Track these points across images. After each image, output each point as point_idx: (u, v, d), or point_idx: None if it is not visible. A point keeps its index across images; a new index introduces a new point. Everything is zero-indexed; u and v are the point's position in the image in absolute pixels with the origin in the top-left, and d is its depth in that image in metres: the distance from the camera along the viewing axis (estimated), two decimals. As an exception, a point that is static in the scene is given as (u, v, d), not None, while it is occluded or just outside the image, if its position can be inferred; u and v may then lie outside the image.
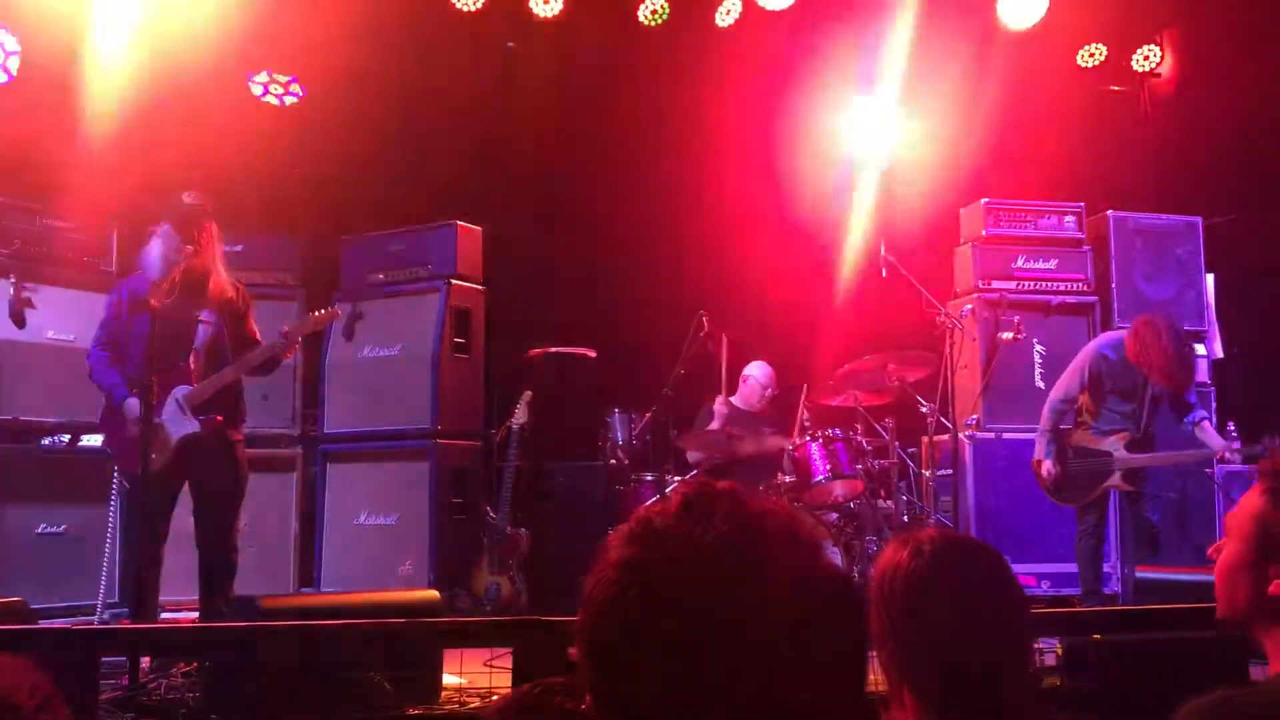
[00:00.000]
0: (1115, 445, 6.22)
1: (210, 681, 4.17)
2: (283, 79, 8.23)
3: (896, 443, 6.95)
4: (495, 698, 4.32)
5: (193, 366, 5.35)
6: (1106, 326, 7.43)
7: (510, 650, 4.31)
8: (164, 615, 5.70)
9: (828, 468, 6.89)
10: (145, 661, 4.46)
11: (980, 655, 1.71)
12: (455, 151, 8.40)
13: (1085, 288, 7.72)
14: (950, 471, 7.04)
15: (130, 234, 6.92)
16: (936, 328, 6.92)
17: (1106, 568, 6.73)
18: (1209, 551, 2.00)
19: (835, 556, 6.16)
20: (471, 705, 4.35)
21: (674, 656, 1.02)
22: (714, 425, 7.24)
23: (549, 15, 8.02)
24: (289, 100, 8.26)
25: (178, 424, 5.27)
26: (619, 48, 8.37)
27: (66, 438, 6.54)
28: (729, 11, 8.11)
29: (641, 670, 1.04)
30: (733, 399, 7.64)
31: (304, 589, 7.22)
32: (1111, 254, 7.71)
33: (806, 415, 7.20)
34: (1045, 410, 6.42)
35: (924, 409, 6.87)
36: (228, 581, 5.40)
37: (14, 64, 7.04)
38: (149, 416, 4.96)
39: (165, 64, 7.24)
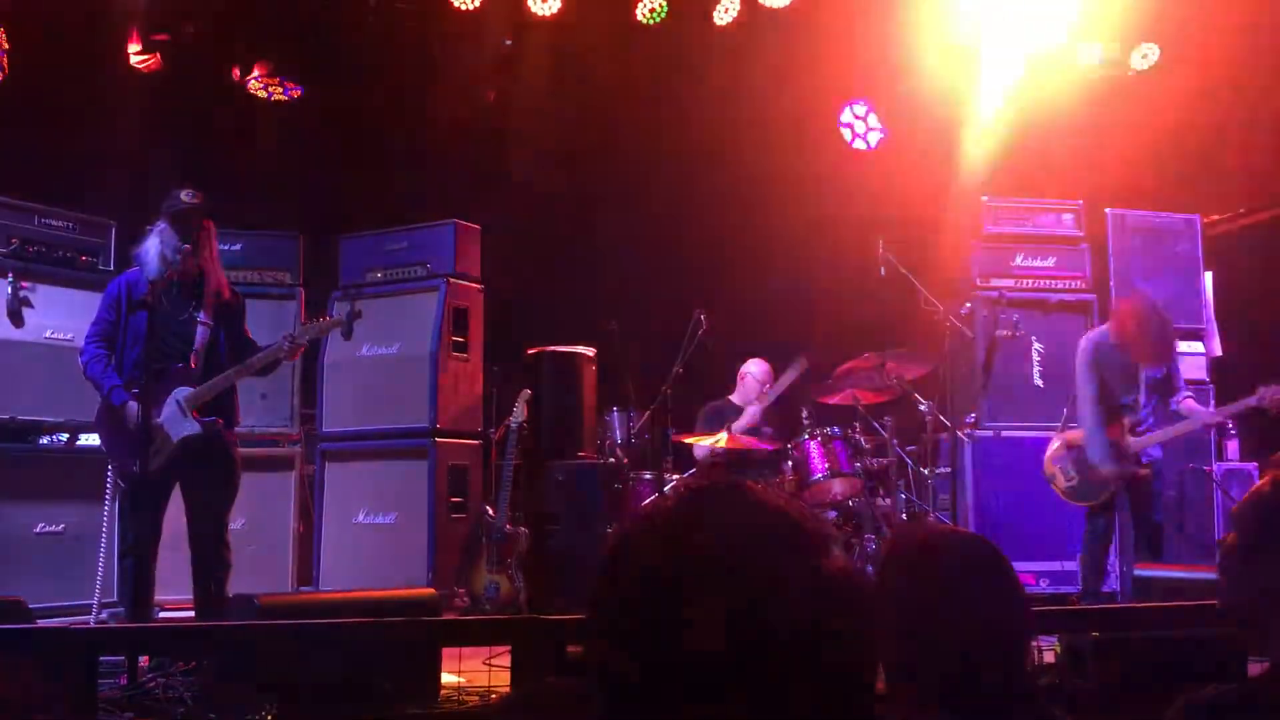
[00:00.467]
0: (1125, 439, 6.22)
1: (209, 680, 4.16)
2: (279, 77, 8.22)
3: (895, 441, 6.95)
4: (494, 696, 4.33)
5: (194, 369, 5.34)
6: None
7: (509, 649, 4.31)
8: (160, 614, 5.70)
9: (826, 466, 6.90)
10: (144, 660, 4.46)
11: (982, 651, 1.71)
12: (454, 150, 8.40)
13: (1084, 285, 7.72)
14: (949, 469, 7.04)
15: (128, 232, 6.93)
16: (935, 326, 6.93)
17: (1106, 566, 6.73)
18: (1219, 542, 2.00)
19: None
20: (470, 704, 4.35)
21: (682, 658, 1.01)
22: (745, 421, 7.24)
23: (547, 14, 8.01)
24: (282, 96, 8.24)
25: (178, 426, 5.26)
26: (617, 46, 8.36)
27: (65, 437, 6.53)
28: (727, 10, 8.11)
29: (647, 671, 1.03)
30: (731, 397, 7.64)
31: (303, 588, 7.21)
32: (1110, 252, 7.71)
33: (805, 412, 7.20)
34: (1088, 420, 6.25)
35: (922, 407, 6.87)
36: (223, 580, 5.39)
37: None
38: (148, 417, 4.96)
39: (161, 62, 7.24)
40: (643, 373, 7.40)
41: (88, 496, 6.42)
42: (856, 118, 9.14)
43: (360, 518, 7.32)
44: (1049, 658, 4.43)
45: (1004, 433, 7.39)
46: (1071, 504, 6.46)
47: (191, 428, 5.26)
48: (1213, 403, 7.46)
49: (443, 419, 7.22)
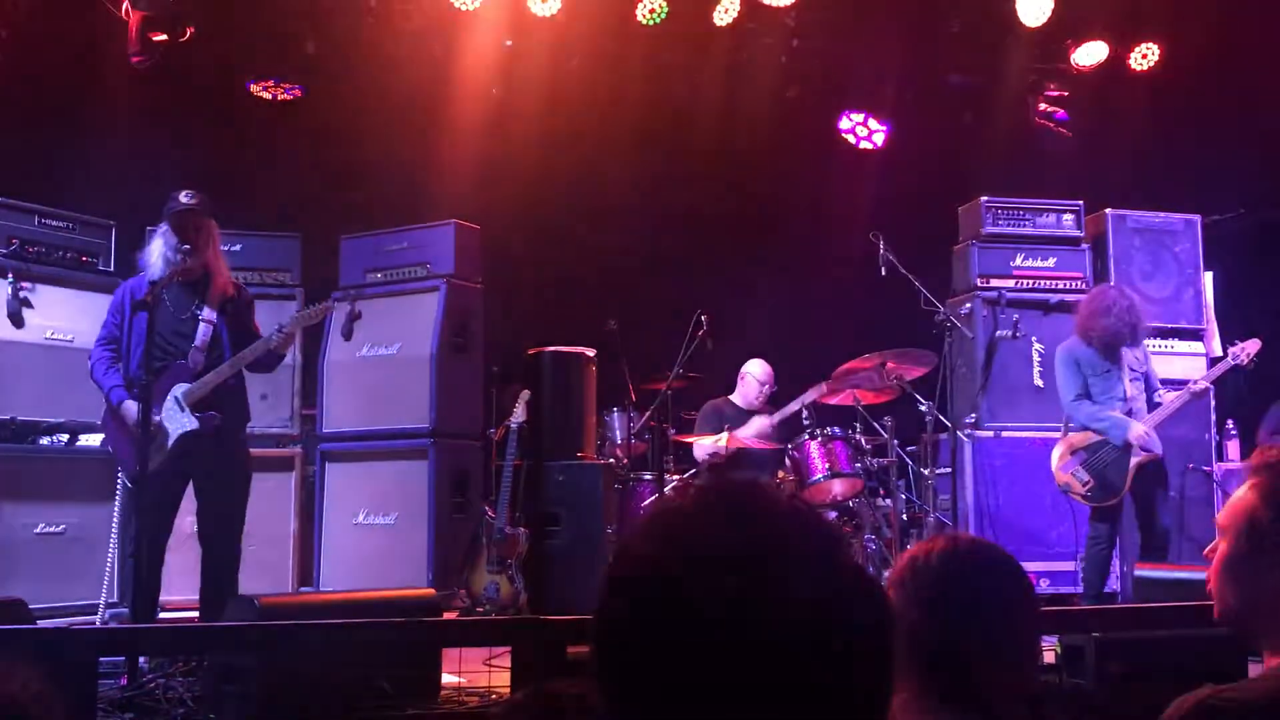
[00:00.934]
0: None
1: (209, 681, 4.16)
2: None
3: (895, 441, 6.95)
4: (495, 697, 4.33)
5: (195, 365, 5.36)
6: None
7: (509, 649, 4.31)
8: (164, 615, 5.70)
9: (827, 466, 6.91)
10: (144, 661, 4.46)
11: (995, 653, 1.72)
12: (454, 150, 8.39)
13: (1084, 286, 7.71)
14: (949, 470, 7.04)
15: (129, 234, 6.93)
16: (935, 326, 6.93)
17: (1109, 568, 6.73)
18: (1205, 553, 2.00)
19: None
20: (470, 704, 4.35)
21: (697, 656, 1.00)
22: (754, 431, 7.25)
23: (547, 14, 8.00)
24: (285, 95, 8.25)
25: (176, 422, 5.28)
26: (617, 46, 8.35)
27: (65, 438, 6.53)
28: (727, 10, 8.11)
29: (660, 671, 1.01)
30: (731, 397, 7.64)
31: (303, 588, 7.21)
32: (1110, 252, 7.71)
33: (806, 413, 7.20)
34: (1083, 412, 6.33)
35: (922, 407, 6.87)
36: (231, 581, 5.39)
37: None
38: (148, 416, 4.96)
39: (165, 62, 7.24)
40: (643, 373, 7.40)
41: (88, 497, 6.43)
42: (856, 123, 9.14)
43: (360, 518, 7.32)
44: (1049, 658, 4.43)
45: (1004, 433, 7.39)
46: (1078, 504, 6.45)
47: (189, 423, 5.27)
48: (1213, 402, 7.46)
49: (443, 419, 7.21)
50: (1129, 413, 6.25)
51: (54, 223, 6.72)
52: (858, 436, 7.05)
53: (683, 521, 1.07)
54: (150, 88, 7.49)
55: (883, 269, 6.91)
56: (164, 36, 7.18)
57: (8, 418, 6.31)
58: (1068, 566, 6.97)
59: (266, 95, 8.29)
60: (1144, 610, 4.50)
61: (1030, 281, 7.67)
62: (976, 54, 8.52)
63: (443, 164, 8.31)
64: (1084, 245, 7.79)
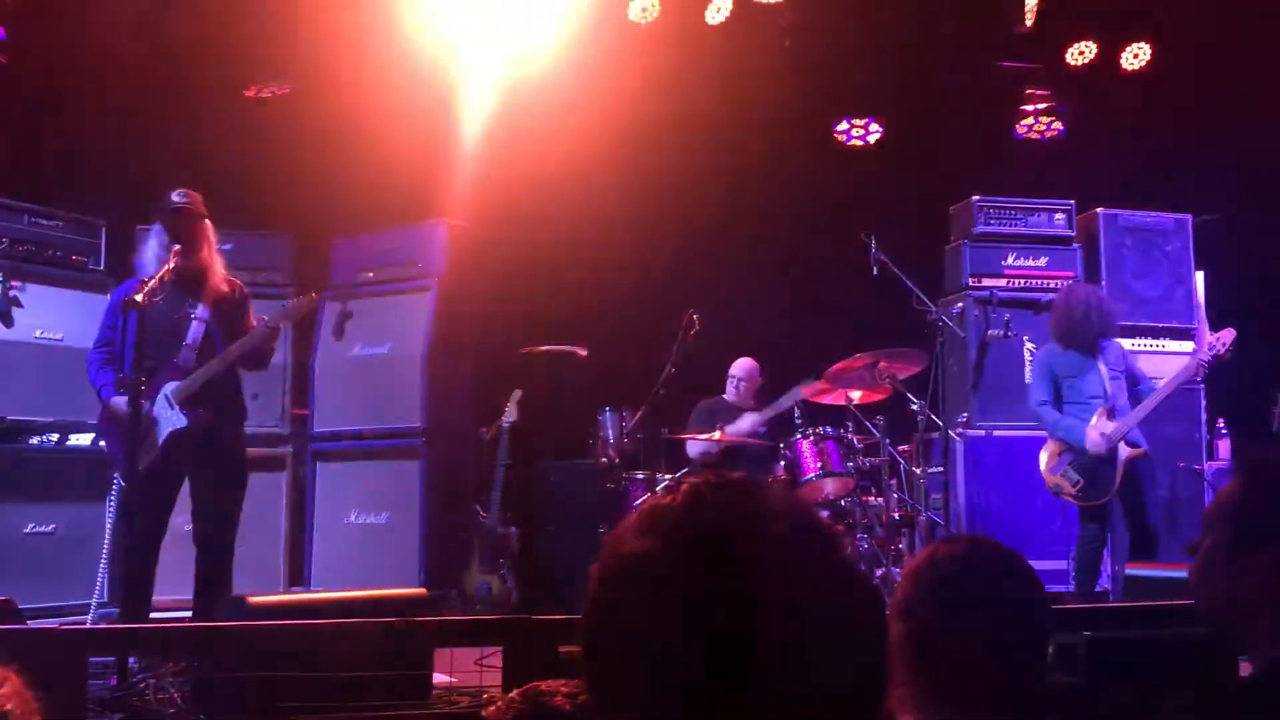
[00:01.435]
0: (1103, 424, 6.22)
1: (199, 681, 4.15)
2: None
3: (887, 440, 6.95)
4: (486, 697, 4.32)
5: (186, 363, 5.34)
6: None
7: (501, 649, 4.30)
8: (157, 615, 5.67)
9: (819, 465, 6.91)
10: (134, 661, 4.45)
11: (1006, 652, 1.73)
12: (445, 150, 8.37)
13: (1075, 285, 7.73)
14: (941, 469, 7.05)
15: (119, 233, 6.91)
16: (927, 325, 6.94)
17: (1099, 567, 6.74)
18: (1186, 548, 2.00)
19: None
20: (462, 704, 4.34)
21: (687, 654, 0.99)
22: (744, 428, 7.24)
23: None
24: (278, 92, 8.23)
25: (165, 419, 5.27)
26: (609, 44, 8.34)
27: (55, 437, 6.51)
28: (719, 9, 8.10)
29: (651, 669, 1.01)
30: (724, 395, 7.64)
31: (294, 588, 7.20)
32: (1101, 251, 7.72)
33: (797, 411, 7.20)
34: (1047, 418, 6.37)
35: (915, 406, 6.87)
36: (226, 581, 5.37)
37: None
38: (137, 415, 4.94)
39: (159, 63, 7.22)
40: (635, 372, 7.39)
41: (78, 497, 6.41)
42: (851, 124, 9.14)
43: (352, 518, 7.30)
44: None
45: (995, 432, 7.39)
46: (1068, 503, 6.46)
47: (178, 421, 5.26)
48: (1204, 400, 7.48)
49: (434, 419, 7.20)
50: (1111, 410, 6.24)
51: (44, 221, 6.70)
52: (850, 435, 7.05)
53: (673, 517, 1.06)
54: (141, 86, 7.47)
55: (874, 268, 6.91)
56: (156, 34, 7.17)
57: (-2, 417, 6.29)
58: (1059, 565, 6.97)
59: (257, 94, 8.26)
60: (1136, 609, 4.51)
61: (1022, 281, 7.67)
62: (968, 53, 8.53)
63: (434, 164, 8.29)
64: (1075, 244, 7.79)
